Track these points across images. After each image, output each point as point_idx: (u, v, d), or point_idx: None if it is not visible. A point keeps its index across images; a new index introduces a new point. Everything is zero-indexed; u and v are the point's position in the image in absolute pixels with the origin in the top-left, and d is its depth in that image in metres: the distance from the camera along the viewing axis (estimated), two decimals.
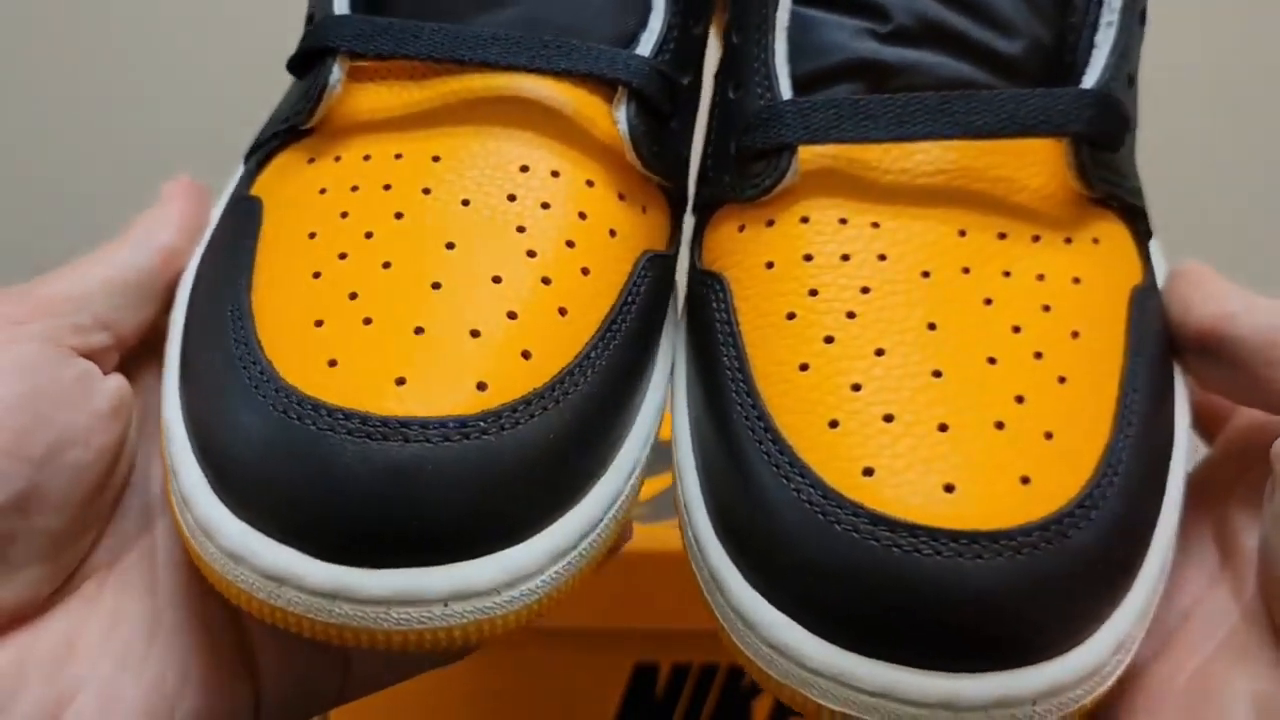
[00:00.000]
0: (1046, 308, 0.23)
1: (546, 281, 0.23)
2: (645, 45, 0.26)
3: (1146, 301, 0.24)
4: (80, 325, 0.24)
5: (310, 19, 0.26)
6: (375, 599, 0.19)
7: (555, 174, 0.24)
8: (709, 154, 0.27)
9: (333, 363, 0.20)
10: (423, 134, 0.24)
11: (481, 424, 0.20)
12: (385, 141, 0.24)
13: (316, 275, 0.22)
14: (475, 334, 0.21)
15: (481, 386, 0.20)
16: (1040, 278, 0.23)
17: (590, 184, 0.24)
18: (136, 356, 0.26)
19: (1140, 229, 0.26)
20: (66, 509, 0.22)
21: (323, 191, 0.24)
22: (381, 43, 0.24)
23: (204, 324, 0.23)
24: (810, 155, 0.24)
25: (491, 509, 0.20)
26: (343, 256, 0.22)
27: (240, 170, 0.28)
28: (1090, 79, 0.24)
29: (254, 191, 0.25)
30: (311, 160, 0.25)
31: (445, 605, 0.20)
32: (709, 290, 0.25)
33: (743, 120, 0.25)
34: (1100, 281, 0.24)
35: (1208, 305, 0.24)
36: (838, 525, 0.20)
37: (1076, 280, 0.23)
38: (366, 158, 0.24)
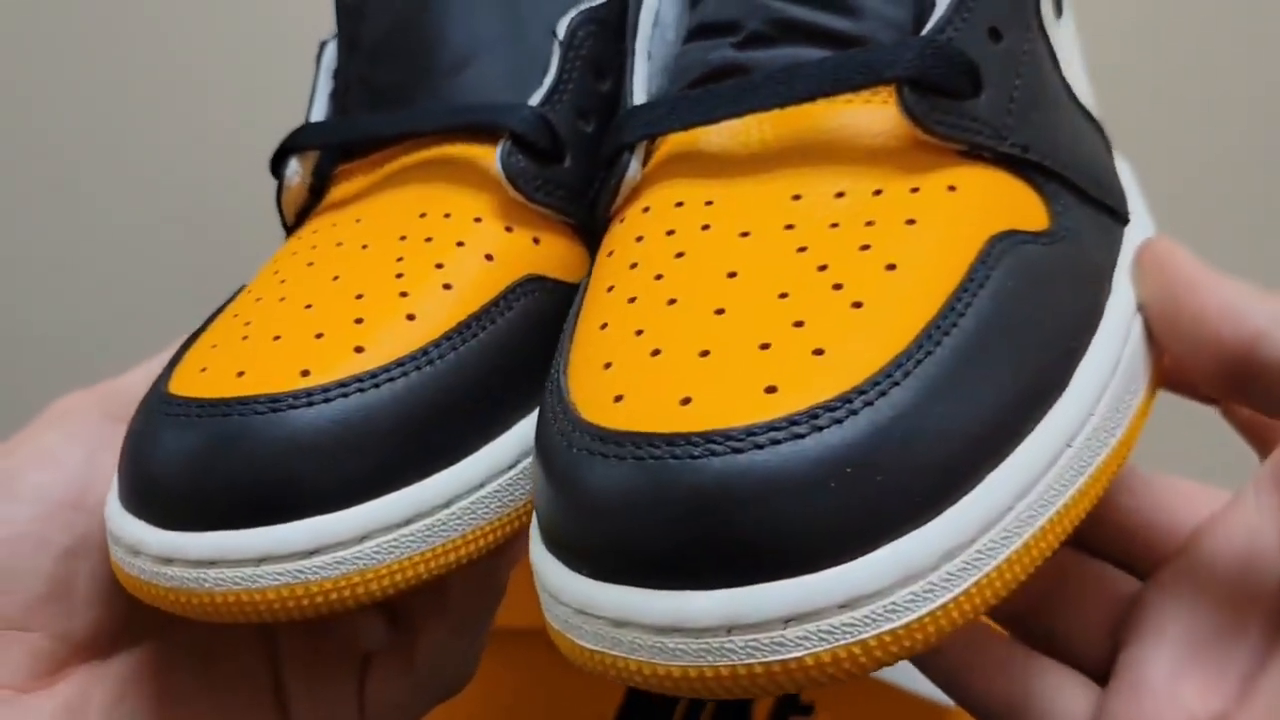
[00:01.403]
0: (865, 247, 0.21)
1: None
2: (535, 97, 0.29)
3: (1019, 246, 0.22)
4: None
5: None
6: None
7: (447, 215, 0.28)
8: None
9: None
10: (356, 205, 0.29)
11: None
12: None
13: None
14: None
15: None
16: (869, 224, 0.22)
17: (478, 220, 0.28)
18: None
19: (1039, 182, 0.24)
20: None
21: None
22: (325, 136, 0.31)
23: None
24: (657, 155, 0.26)
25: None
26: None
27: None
28: (930, 25, 0.23)
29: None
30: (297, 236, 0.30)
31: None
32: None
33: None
34: (943, 223, 0.22)
35: (1223, 327, 0.21)
36: (576, 450, 0.19)
37: (911, 221, 0.22)
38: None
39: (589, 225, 0.29)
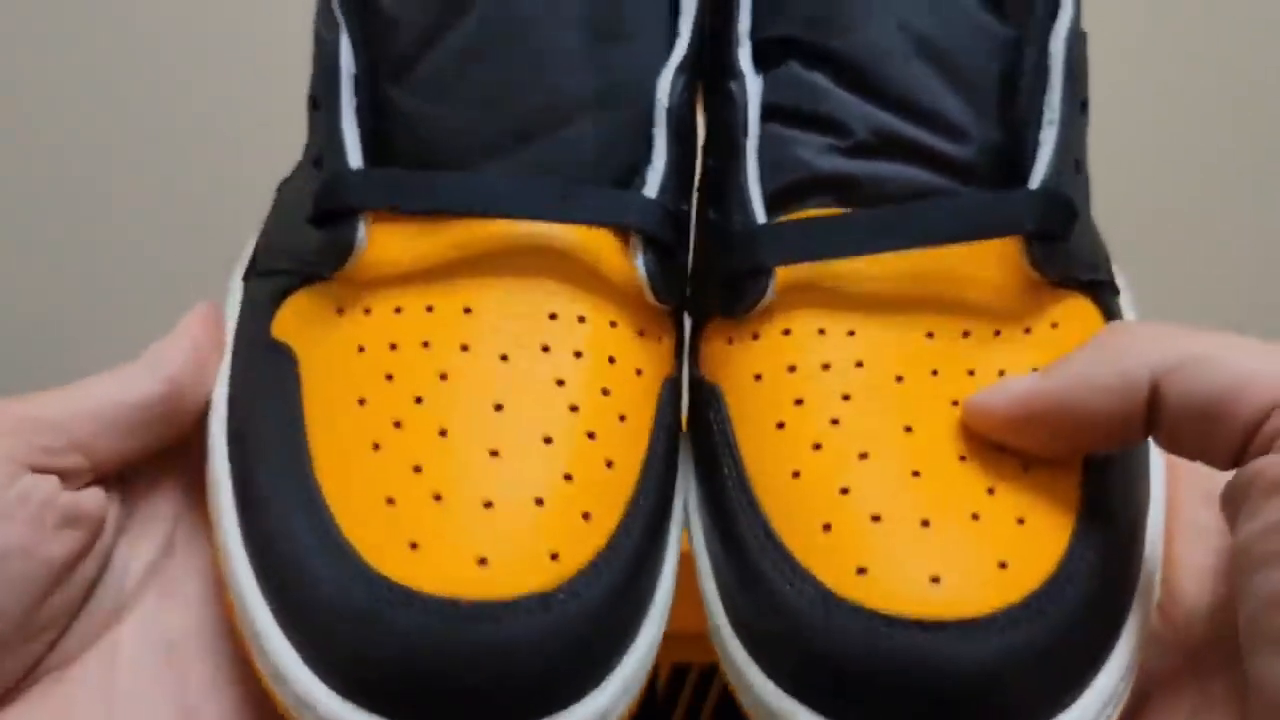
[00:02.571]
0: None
1: (591, 436, 0.24)
2: (652, 184, 0.27)
3: None
4: (50, 448, 0.24)
5: (316, 161, 0.27)
6: None
7: (581, 319, 0.25)
8: (695, 270, 0.29)
9: (414, 545, 0.21)
10: (448, 284, 0.25)
11: (561, 596, 0.21)
12: (412, 293, 0.25)
13: (377, 447, 0.23)
14: (540, 502, 0.22)
15: (554, 557, 0.22)
16: (1001, 373, 0.25)
17: (614, 325, 0.26)
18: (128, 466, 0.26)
19: (1104, 299, 0.28)
20: (5, 617, 0.23)
21: (361, 350, 0.25)
22: (403, 199, 0.25)
23: (266, 490, 0.24)
24: (787, 272, 0.26)
25: (580, 669, 0.22)
26: (398, 425, 0.23)
27: (239, 291, 0.29)
28: (1038, 176, 0.26)
29: (278, 335, 0.26)
30: (340, 310, 0.26)
31: None
32: (706, 402, 0.27)
33: (724, 242, 0.27)
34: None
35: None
36: (838, 623, 0.22)
37: (1035, 370, 0.25)
38: (398, 310, 0.25)
39: (680, 309, 0.29)
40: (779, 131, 0.27)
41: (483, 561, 0.21)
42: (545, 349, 0.25)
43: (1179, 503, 0.26)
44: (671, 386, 0.27)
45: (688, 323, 0.29)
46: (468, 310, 0.25)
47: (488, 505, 0.22)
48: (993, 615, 0.21)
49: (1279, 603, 0.20)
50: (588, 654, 0.22)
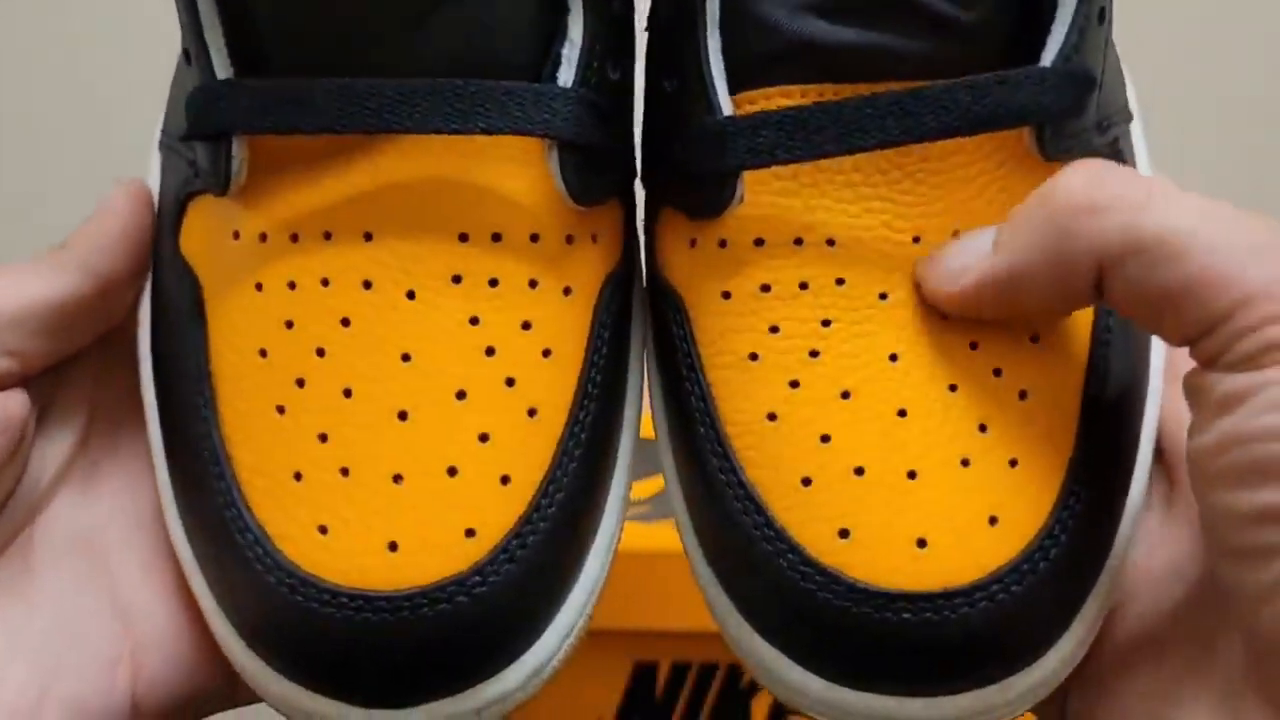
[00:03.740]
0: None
1: (510, 383, 0.22)
2: (568, 62, 0.23)
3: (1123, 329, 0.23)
4: None
5: (185, 54, 0.23)
6: None
7: (496, 237, 0.22)
8: (648, 147, 0.25)
9: (323, 529, 0.21)
10: (346, 204, 0.22)
11: (477, 578, 0.20)
12: (308, 215, 0.22)
13: (281, 410, 0.22)
14: (453, 471, 0.21)
15: (470, 533, 0.21)
16: None
17: (535, 239, 0.23)
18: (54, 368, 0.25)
19: (1116, 154, 0.24)
20: None
21: (259, 288, 0.22)
22: (279, 117, 0.22)
23: (185, 442, 0.23)
24: (757, 173, 0.22)
25: (493, 647, 0.21)
26: (300, 383, 0.22)
27: (156, 163, 0.26)
28: (1055, 41, 0.22)
29: (185, 251, 0.24)
30: (236, 235, 0.23)
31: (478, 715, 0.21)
32: (669, 311, 0.24)
33: (683, 129, 0.23)
34: None
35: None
36: (820, 593, 0.20)
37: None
38: (294, 238, 0.22)
39: (629, 179, 0.25)
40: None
41: (393, 546, 0.20)
42: (456, 279, 0.22)
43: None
44: (614, 287, 0.24)
45: (639, 191, 0.26)
46: (368, 236, 0.22)
47: (397, 479, 0.21)
48: (980, 582, 0.20)
49: (1234, 520, 0.19)
50: (515, 625, 0.21)
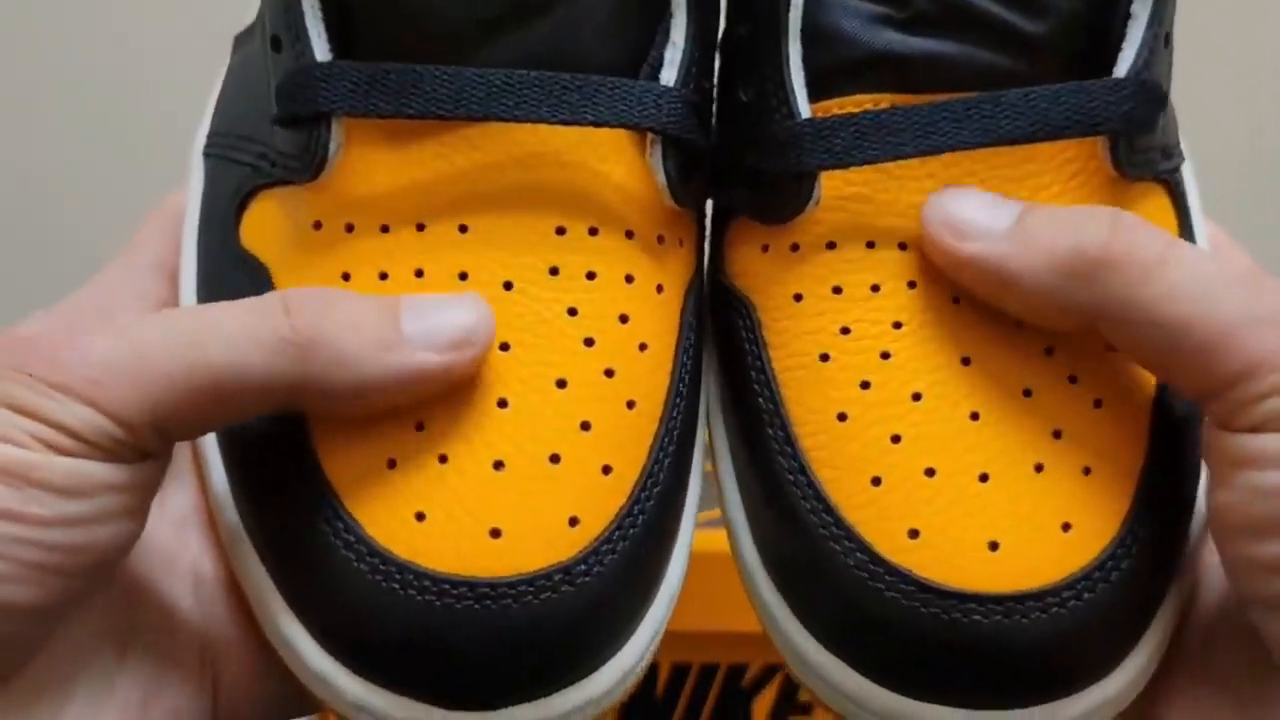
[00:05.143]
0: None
1: (610, 374, 0.22)
2: (670, 64, 0.23)
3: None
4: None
5: (274, 41, 0.23)
6: None
7: (593, 231, 0.22)
8: (721, 157, 0.25)
9: (420, 516, 0.20)
10: (440, 196, 0.22)
11: (582, 568, 0.20)
12: (400, 207, 0.22)
13: (555, 459, 0.21)
14: (555, 459, 0.21)
15: (573, 521, 0.20)
16: None
17: (630, 235, 0.23)
18: None
19: (1176, 185, 0.25)
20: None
21: (346, 278, 0.22)
22: (382, 101, 0.21)
23: (256, 446, 0.22)
24: (833, 175, 0.23)
25: (594, 640, 0.21)
26: None
27: (200, 168, 0.26)
28: (1127, 58, 0.22)
29: (248, 245, 0.24)
30: (318, 225, 0.23)
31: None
32: (736, 315, 0.24)
33: (759, 134, 0.23)
34: None
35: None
36: (888, 593, 0.20)
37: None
38: (385, 229, 0.22)
39: (702, 199, 0.26)
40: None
41: (495, 533, 0.20)
42: (553, 271, 0.22)
43: None
44: (694, 298, 0.24)
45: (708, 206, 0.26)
46: (463, 228, 0.22)
47: (498, 466, 0.20)
48: (1053, 587, 0.20)
49: (1257, 571, 0.20)
50: (613, 619, 0.21)
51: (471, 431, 0.20)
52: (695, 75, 0.23)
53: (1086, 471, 0.21)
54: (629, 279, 0.23)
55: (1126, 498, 0.21)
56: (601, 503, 0.21)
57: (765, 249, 0.24)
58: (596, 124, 0.22)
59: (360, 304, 0.21)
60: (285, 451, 0.21)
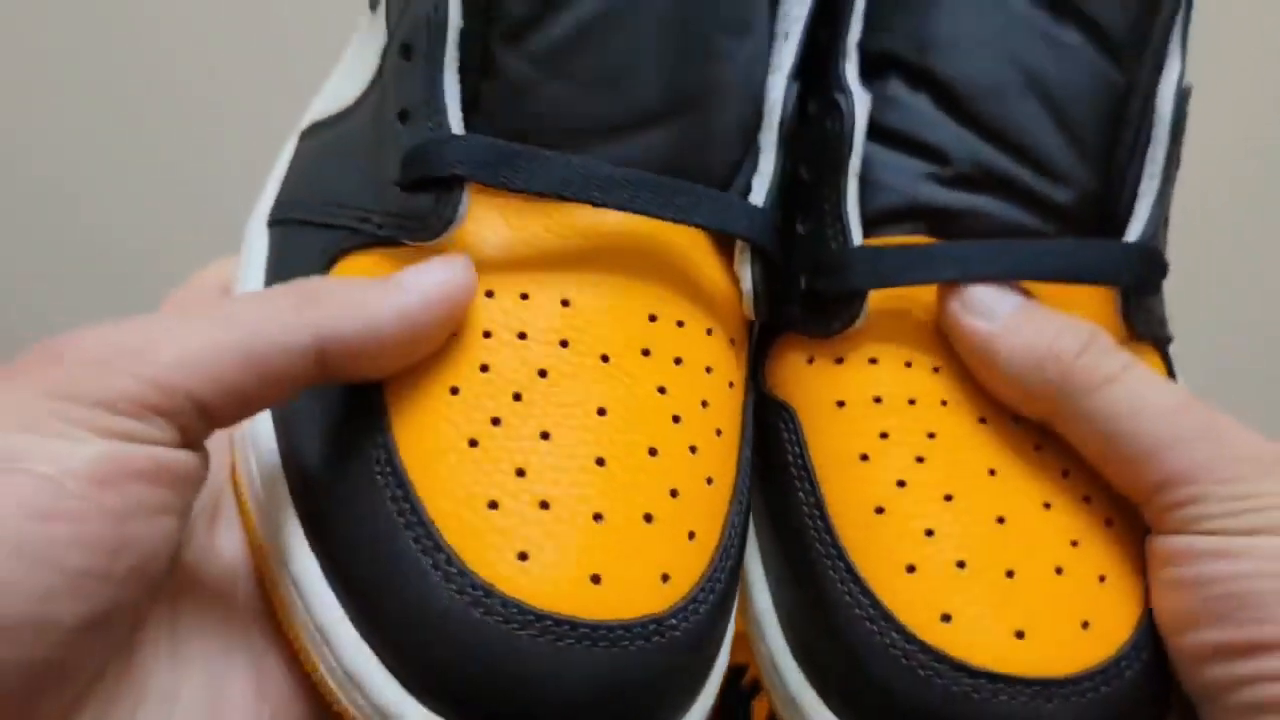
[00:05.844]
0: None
1: (694, 450, 0.23)
2: (758, 192, 0.26)
3: None
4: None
5: (402, 115, 0.24)
6: None
7: (680, 324, 0.24)
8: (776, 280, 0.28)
9: (522, 555, 0.20)
10: (545, 272, 0.24)
11: (673, 621, 0.21)
12: (506, 276, 0.24)
13: (474, 444, 0.22)
14: (649, 518, 0.22)
15: (665, 578, 0.21)
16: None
17: (709, 333, 0.25)
18: None
19: (1168, 355, 0.28)
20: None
21: (485, 336, 0.23)
22: (514, 175, 0.23)
23: (338, 478, 0.22)
24: (879, 298, 0.26)
25: (671, 696, 0.21)
26: (496, 422, 0.22)
27: (262, 237, 0.27)
28: (1136, 229, 0.26)
29: None
30: None
31: None
32: (779, 421, 0.26)
33: (814, 259, 0.26)
34: None
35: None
36: (921, 670, 0.22)
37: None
38: (489, 294, 0.23)
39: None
40: (881, 153, 0.27)
41: (595, 579, 0.20)
42: (646, 353, 0.24)
43: None
44: (752, 400, 0.27)
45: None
46: (565, 303, 0.23)
47: (597, 518, 0.21)
48: (1075, 676, 0.22)
49: (1190, 658, 0.22)
50: (692, 674, 0.22)
51: (572, 483, 0.21)
52: (775, 203, 0.26)
53: (1102, 579, 0.23)
54: (709, 370, 0.24)
55: (1138, 606, 0.23)
56: (689, 564, 0.22)
57: (810, 360, 0.26)
58: (703, 226, 0.24)
59: (351, 280, 0.22)
60: (377, 483, 0.21)
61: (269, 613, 0.23)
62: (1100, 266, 0.25)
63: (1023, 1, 0.26)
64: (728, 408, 0.25)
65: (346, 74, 0.28)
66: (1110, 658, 0.22)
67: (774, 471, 0.26)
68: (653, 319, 0.24)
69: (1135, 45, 0.26)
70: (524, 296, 0.23)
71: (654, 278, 0.24)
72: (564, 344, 0.23)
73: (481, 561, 0.20)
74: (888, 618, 0.23)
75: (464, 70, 0.24)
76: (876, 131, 0.27)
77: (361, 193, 0.25)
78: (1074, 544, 0.24)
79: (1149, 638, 0.23)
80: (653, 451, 0.22)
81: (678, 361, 0.24)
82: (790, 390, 0.27)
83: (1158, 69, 0.26)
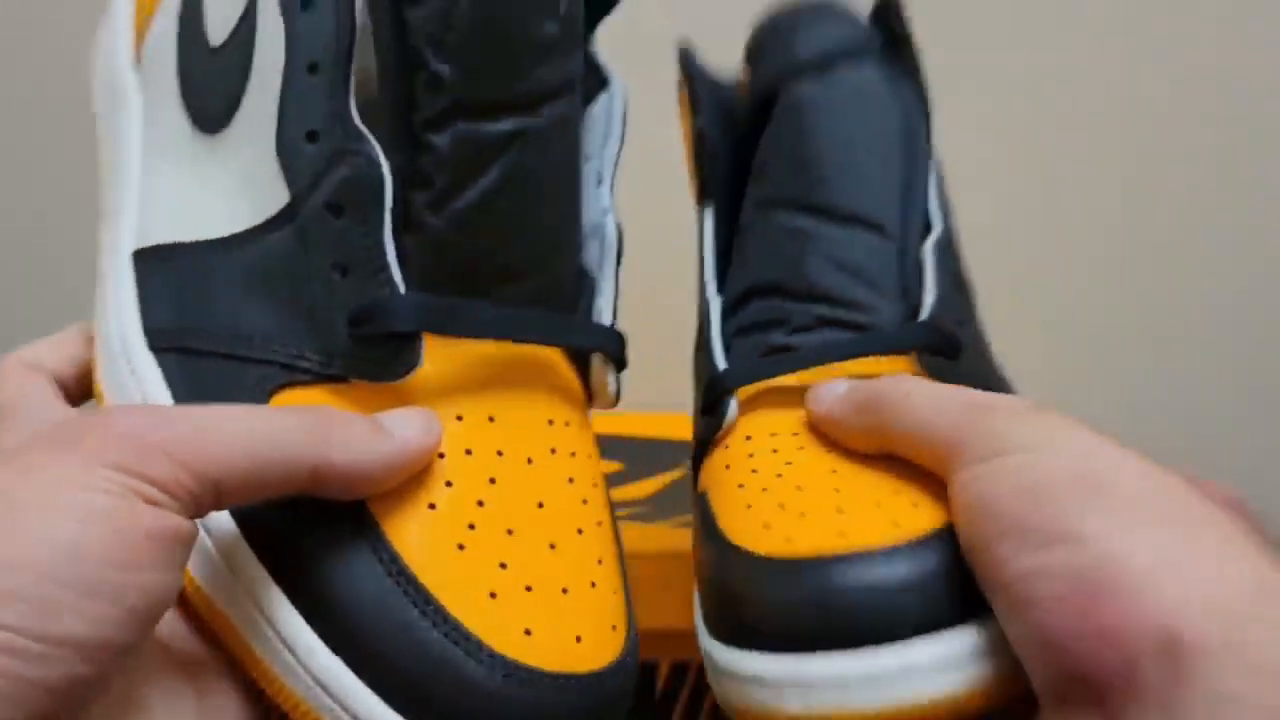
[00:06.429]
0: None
1: (600, 524, 0.29)
2: (605, 312, 0.32)
3: None
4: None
5: (341, 268, 0.28)
6: None
7: (567, 424, 0.30)
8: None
9: (528, 632, 0.25)
10: (471, 395, 0.29)
11: (626, 659, 0.27)
12: (442, 404, 0.28)
13: (461, 547, 0.26)
14: (593, 584, 0.28)
15: (614, 628, 0.28)
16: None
17: (581, 427, 0.31)
18: None
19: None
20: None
21: (439, 457, 0.28)
22: (455, 325, 0.28)
23: (351, 592, 0.25)
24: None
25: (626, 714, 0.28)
26: (472, 527, 0.27)
27: (152, 366, 0.30)
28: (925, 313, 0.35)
29: None
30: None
31: None
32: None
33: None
34: None
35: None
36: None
37: None
38: (458, 418, 0.29)
39: None
40: (743, 339, 0.37)
41: (578, 639, 0.26)
42: (553, 451, 0.29)
43: None
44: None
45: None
46: (491, 419, 0.29)
47: (565, 591, 0.27)
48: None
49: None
50: (630, 701, 0.28)
51: (540, 568, 0.27)
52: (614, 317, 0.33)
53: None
54: (589, 456, 0.31)
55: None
56: (622, 615, 0.28)
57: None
58: (579, 347, 0.31)
59: (352, 416, 0.27)
60: (389, 587, 0.25)
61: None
62: (889, 339, 0.34)
63: (815, 222, 0.37)
64: (601, 487, 0.31)
65: (191, 199, 0.31)
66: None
67: None
68: (550, 423, 0.30)
69: (904, 227, 0.37)
70: (459, 419, 0.28)
71: (541, 388, 0.30)
72: (500, 453, 0.28)
73: (499, 641, 0.25)
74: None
75: (394, 229, 0.28)
76: (742, 330, 0.37)
77: (286, 332, 0.28)
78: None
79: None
80: (579, 531, 0.28)
81: (573, 455, 0.30)
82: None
83: (923, 235, 0.37)
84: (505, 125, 0.29)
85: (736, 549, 0.28)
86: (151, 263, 0.31)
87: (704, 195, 0.40)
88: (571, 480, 0.29)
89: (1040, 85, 0.73)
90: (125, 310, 0.30)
